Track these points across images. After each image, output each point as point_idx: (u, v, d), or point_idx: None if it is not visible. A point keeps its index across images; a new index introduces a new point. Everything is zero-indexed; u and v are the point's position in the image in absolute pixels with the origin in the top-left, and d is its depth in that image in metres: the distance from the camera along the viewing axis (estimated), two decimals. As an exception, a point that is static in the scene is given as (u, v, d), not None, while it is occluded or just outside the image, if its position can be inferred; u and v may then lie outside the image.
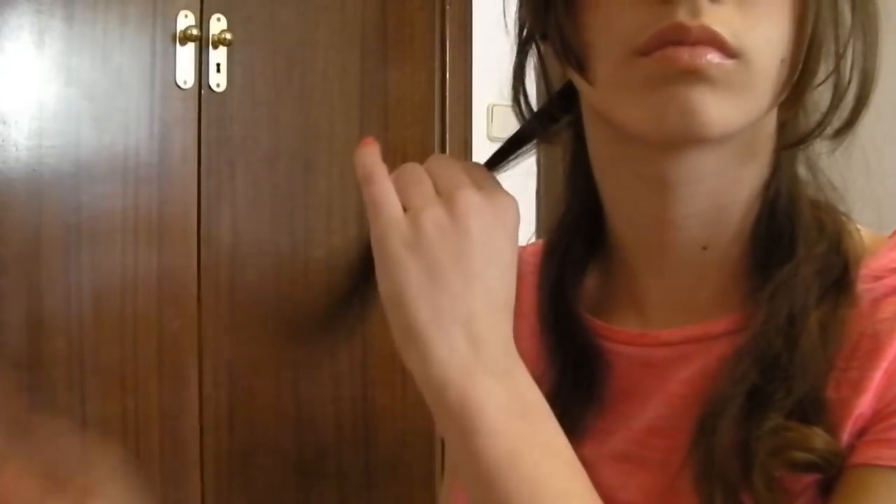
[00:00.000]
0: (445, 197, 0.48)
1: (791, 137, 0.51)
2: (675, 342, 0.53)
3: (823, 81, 0.49)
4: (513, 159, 0.57)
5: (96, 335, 1.31)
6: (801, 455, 0.45)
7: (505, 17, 0.58)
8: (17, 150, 1.23)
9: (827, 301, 0.48)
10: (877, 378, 0.46)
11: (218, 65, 1.44)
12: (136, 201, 1.34)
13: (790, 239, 0.50)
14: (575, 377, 0.54)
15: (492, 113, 1.84)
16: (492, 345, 0.47)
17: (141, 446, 1.35)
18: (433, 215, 0.47)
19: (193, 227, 1.42)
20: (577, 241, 0.59)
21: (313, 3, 1.58)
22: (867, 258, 0.51)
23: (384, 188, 0.48)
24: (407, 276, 0.47)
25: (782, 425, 0.46)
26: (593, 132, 0.55)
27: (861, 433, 0.46)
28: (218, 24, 1.44)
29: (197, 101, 1.42)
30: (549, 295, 0.58)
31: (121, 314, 1.33)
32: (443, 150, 1.72)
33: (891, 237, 0.53)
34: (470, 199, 0.47)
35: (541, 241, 0.63)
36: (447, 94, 1.75)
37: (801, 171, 0.53)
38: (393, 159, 0.54)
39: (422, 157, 0.52)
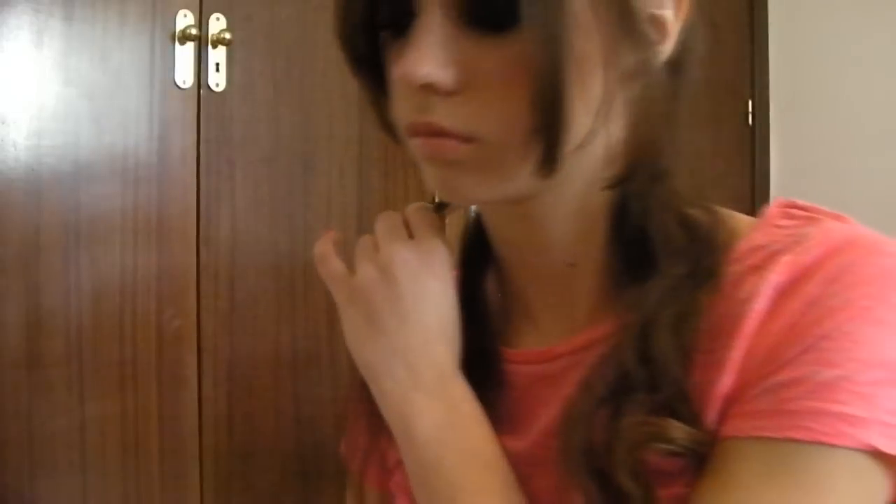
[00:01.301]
0: (380, 253, 0.57)
1: (620, 174, 0.54)
2: (566, 353, 0.57)
3: (581, 144, 0.51)
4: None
5: (96, 335, 1.30)
6: (661, 447, 0.48)
7: None
8: (15, 149, 1.23)
9: (688, 294, 0.51)
10: (735, 357, 0.48)
11: (217, 64, 1.44)
12: (135, 201, 1.34)
13: (647, 248, 0.53)
14: (480, 395, 0.58)
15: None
16: (427, 370, 0.55)
17: (141, 446, 1.35)
18: (363, 272, 0.57)
19: (193, 227, 1.42)
20: (476, 262, 0.64)
21: (313, 3, 1.58)
22: (736, 242, 0.53)
23: (333, 265, 0.59)
24: (353, 326, 0.57)
25: (640, 421, 0.48)
26: None
27: (726, 409, 0.48)
28: (217, 24, 1.44)
29: (196, 101, 1.42)
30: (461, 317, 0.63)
31: (120, 314, 1.33)
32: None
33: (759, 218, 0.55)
34: (396, 251, 0.57)
35: None
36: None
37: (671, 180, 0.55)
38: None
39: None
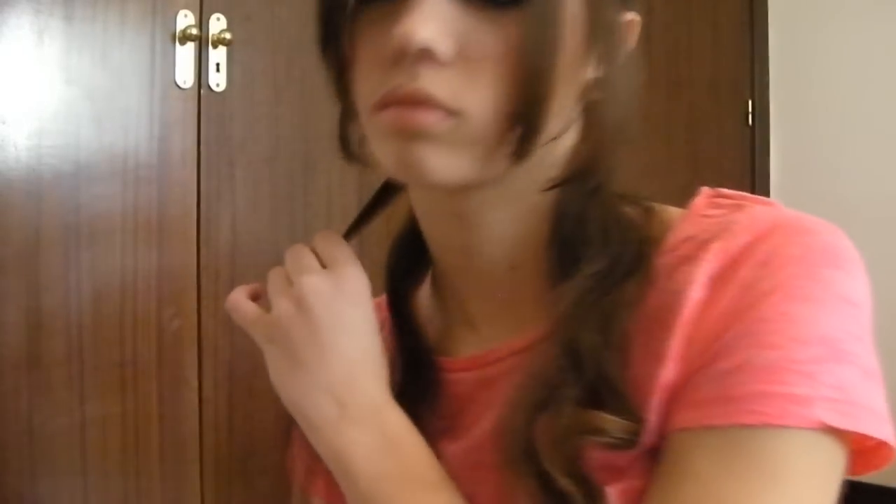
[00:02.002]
0: (294, 287, 0.56)
1: (566, 175, 0.54)
2: (504, 356, 0.57)
3: (556, 137, 0.51)
4: (370, 222, 0.64)
5: (96, 335, 1.30)
6: (592, 440, 0.48)
7: None
8: (16, 149, 1.23)
9: (613, 288, 0.51)
10: (674, 345, 0.48)
11: (217, 64, 1.44)
12: (135, 201, 1.34)
13: (581, 246, 0.53)
14: (416, 404, 0.58)
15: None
16: (355, 400, 0.54)
17: (141, 446, 1.35)
18: (278, 308, 0.56)
19: (193, 227, 1.42)
20: (408, 272, 0.64)
21: (313, 3, 1.58)
22: (667, 234, 0.53)
23: (245, 309, 0.59)
24: (274, 364, 0.57)
25: (567, 415, 0.48)
26: None
27: (672, 400, 0.48)
28: (217, 24, 1.44)
29: (196, 101, 1.42)
30: (395, 329, 0.63)
31: (120, 314, 1.33)
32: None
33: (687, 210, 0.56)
34: (309, 283, 0.55)
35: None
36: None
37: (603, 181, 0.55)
38: None
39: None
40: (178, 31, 1.39)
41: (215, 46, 1.43)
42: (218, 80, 1.44)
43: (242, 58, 1.48)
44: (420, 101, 0.49)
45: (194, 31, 1.39)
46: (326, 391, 0.54)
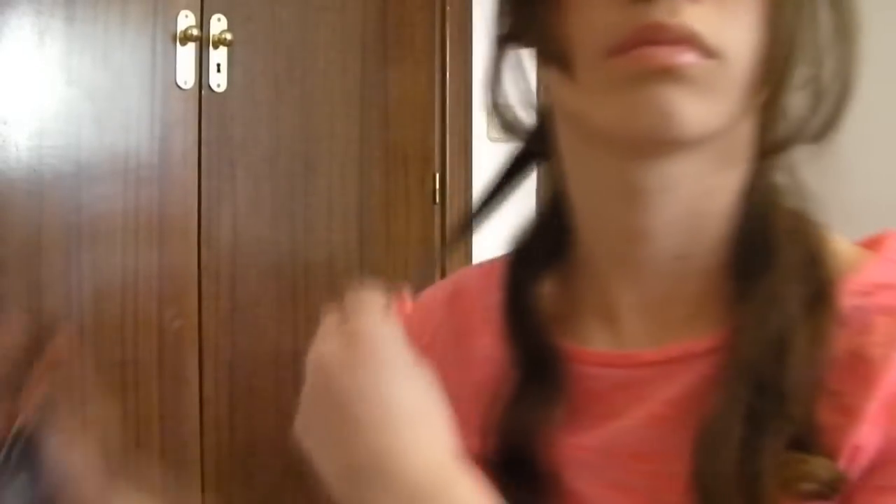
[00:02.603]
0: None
1: (770, 145, 0.50)
2: (657, 361, 0.51)
3: (800, 87, 0.48)
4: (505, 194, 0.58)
5: (97, 335, 1.31)
6: (806, 486, 0.44)
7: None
8: (17, 150, 1.23)
9: (811, 316, 0.47)
10: (874, 408, 0.44)
11: (218, 65, 1.44)
12: (136, 201, 1.35)
13: (768, 250, 0.49)
14: (543, 399, 0.52)
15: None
16: (405, 482, 0.46)
17: (141, 446, 1.35)
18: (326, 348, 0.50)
19: (194, 227, 1.42)
20: (539, 254, 0.58)
21: (313, 3, 1.58)
22: (850, 272, 0.49)
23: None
24: (314, 448, 0.50)
25: (787, 456, 0.44)
26: (566, 142, 0.54)
27: (867, 469, 0.44)
28: (218, 25, 1.44)
29: (197, 102, 1.42)
30: (512, 313, 0.57)
31: (121, 314, 1.33)
32: (443, 151, 1.72)
33: (870, 248, 0.51)
34: (316, 359, 0.49)
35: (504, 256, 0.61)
36: (447, 94, 1.75)
37: (781, 179, 0.52)
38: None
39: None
40: (178, 31, 1.39)
41: (216, 47, 1.44)
42: (218, 81, 1.44)
43: (243, 58, 1.48)
44: (683, 39, 0.44)
45: (195, 32, 1.40)
46: (374, 475, 0.47)
